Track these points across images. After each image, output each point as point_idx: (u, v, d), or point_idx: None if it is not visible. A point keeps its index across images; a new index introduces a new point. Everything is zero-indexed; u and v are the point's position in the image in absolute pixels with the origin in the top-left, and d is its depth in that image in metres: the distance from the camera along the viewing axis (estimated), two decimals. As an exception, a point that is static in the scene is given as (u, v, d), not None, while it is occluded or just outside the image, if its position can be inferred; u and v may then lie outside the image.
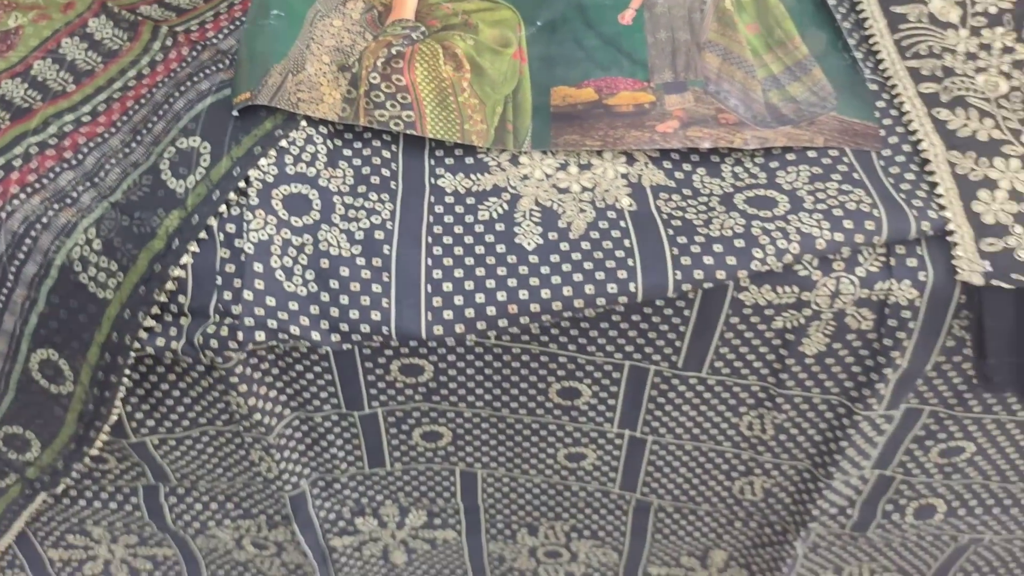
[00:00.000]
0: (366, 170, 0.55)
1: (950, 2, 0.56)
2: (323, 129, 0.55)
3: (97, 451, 0.57)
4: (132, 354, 0.51)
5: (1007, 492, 0.62)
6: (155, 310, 0.50)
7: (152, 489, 0.66)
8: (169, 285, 0.50)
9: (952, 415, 0.56)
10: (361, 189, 0.54)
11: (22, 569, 0.71)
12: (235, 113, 0.54)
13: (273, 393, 0.57)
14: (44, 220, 0.52)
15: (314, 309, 0.50)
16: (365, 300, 0.50)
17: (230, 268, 0.51)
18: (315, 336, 0.50)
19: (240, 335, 0.49)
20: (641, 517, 0.68)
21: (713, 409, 0.58)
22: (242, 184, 0.52)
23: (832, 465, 0.59)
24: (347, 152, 0.55)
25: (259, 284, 0.50)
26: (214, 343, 0.50)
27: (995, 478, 0.60)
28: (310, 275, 0.51)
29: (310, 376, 0.56)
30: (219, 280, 0.50)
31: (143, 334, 0.51)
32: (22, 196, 0.53)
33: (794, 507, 0.64)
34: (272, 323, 0.50)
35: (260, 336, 0.50)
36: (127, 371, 0.52)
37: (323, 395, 0.58)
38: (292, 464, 0.61)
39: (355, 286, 0.50)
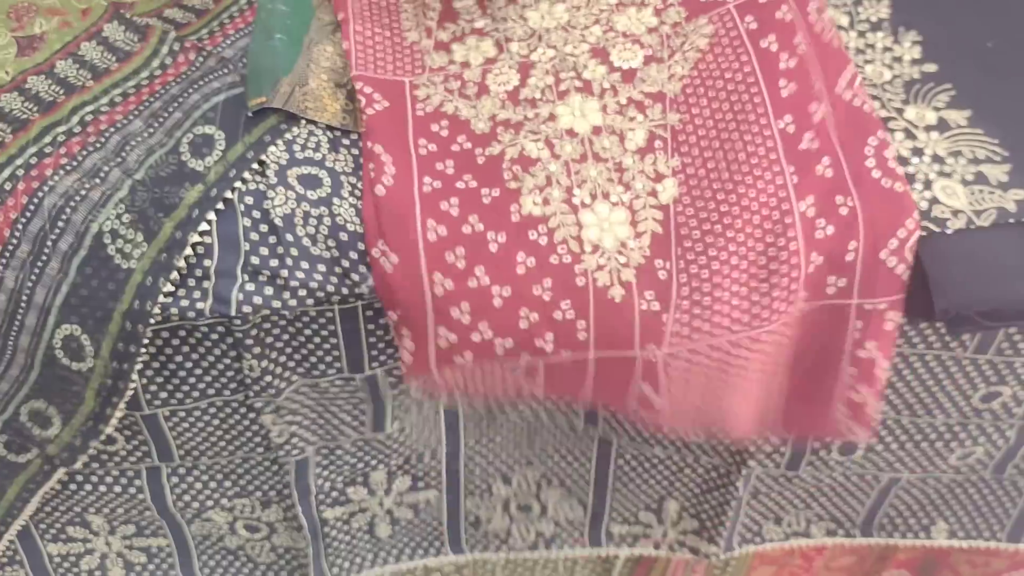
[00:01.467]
0: (362, 158, 0.62)
1: (840, 11, 0.69)
2: (320, 126, 0.63)
3: (112, 428, 0.62)
4: (152, 320, 0.57)
5: (916, 427, 0.72)
6: (175, 276, 0.57)
7: (155, 471, 0.70)
8: (188, 251, 0.57)
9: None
10: (360, 174, 0.62)
11: (21, 566, 0.74)
12: (250, 114, 0.62)
13: (283, 359, 0.63)
14: (78, 197, 0.58)
15: (337, 269, 0.59)
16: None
17: (254, 236, 0.58)
18: (344, 291, 0.58)
19: (286, 295, 0.57)
20: (603, 465, 0.76)
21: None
22: (257, 167, 0.60)
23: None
24: (345, 142, 0.63)
25: (294, 250, 0.58)
26: (257, 300, 0.57)
27: (905, 412, 0.71)
28: (331, 243, 0.59)
29: (317, 340, 0.63)
30: (246, 246, 0.58)
31: (164, 298, 0.57)
32: (56, 178, 0.59)
33: (734, 447, 0.73)
34: (313, 283, 0.58)
35: (302, 293, 0.58)
36: (146, 340, 0.58)
37: (328, 359, 0.64)
38: (301, 429, 0.67)
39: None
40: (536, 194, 0.61)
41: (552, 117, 0.64)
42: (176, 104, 0.63)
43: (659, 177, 0.61)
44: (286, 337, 0.63)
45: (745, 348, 0.60)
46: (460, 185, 0.61)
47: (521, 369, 0.61)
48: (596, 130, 0.64)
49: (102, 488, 0.70)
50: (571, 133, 0.64)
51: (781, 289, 0.59)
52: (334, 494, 0.74)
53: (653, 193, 0.61)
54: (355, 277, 0.59)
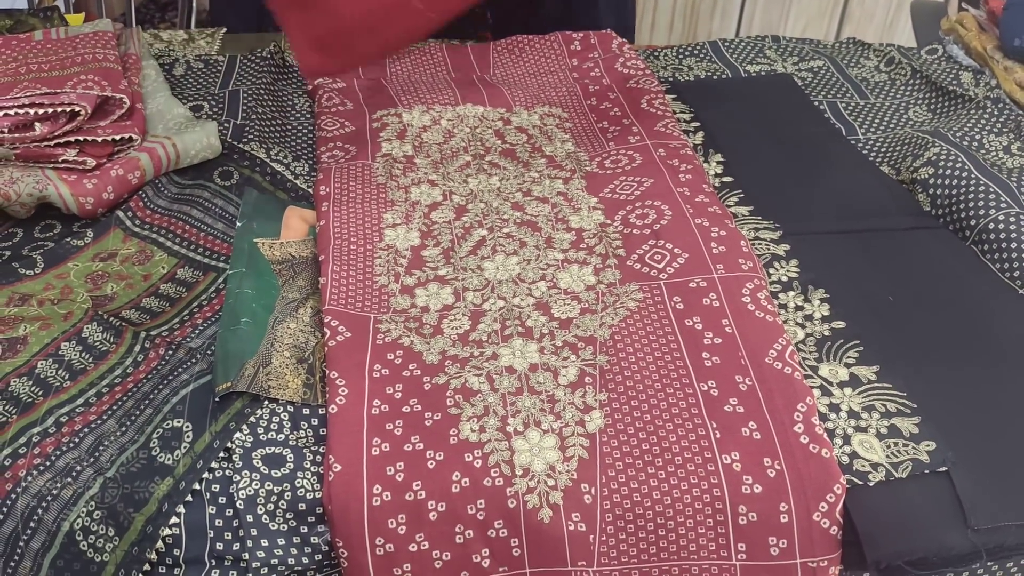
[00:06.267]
0: (323, 430, 0.67)
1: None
2: (282, 403, 0.68)
3: None
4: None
5: None
6: (147, 567, 0.60)
7: None
8: (159, 544, 0.60)
9: None
10: (323, 449, 0.66)
11: None
12: (216, 399, 0.66)
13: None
14: (50, 497, 0.61)
15: (296, 539, 0.62)
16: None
17: (219, 522, 0.61)
18: (304, 560, 0.61)
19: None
20: None
21: None
22: (224, 453, 0.63)
23: None
24: (305, 411, 0.68)
25: (253, 531, 0.60)
26: None
27: None
28: (290, 514, 0.62)
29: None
30: (211, 533, 0.60)
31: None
32: (29, 478, 0.62)
33: None
34: (274, 559, 0.60)
35: (264, 571, 0.59)
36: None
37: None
38: None
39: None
40: (474, 421, 0.66)
41: (495, 356, 0.71)
42: (147, 401, 0.67)
43: (587, 408, 0.67)
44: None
45: None
46: (406, 409, 0.67)
47: None
48: (533, 367, 0.70)
49: None
50: (510, 370, 0.70)
51: (708, 528, 0.62)
52: None
53: (581, 423, 0.66)
54: (314, 540, 0.62)
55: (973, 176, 0.89)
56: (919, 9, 1.85)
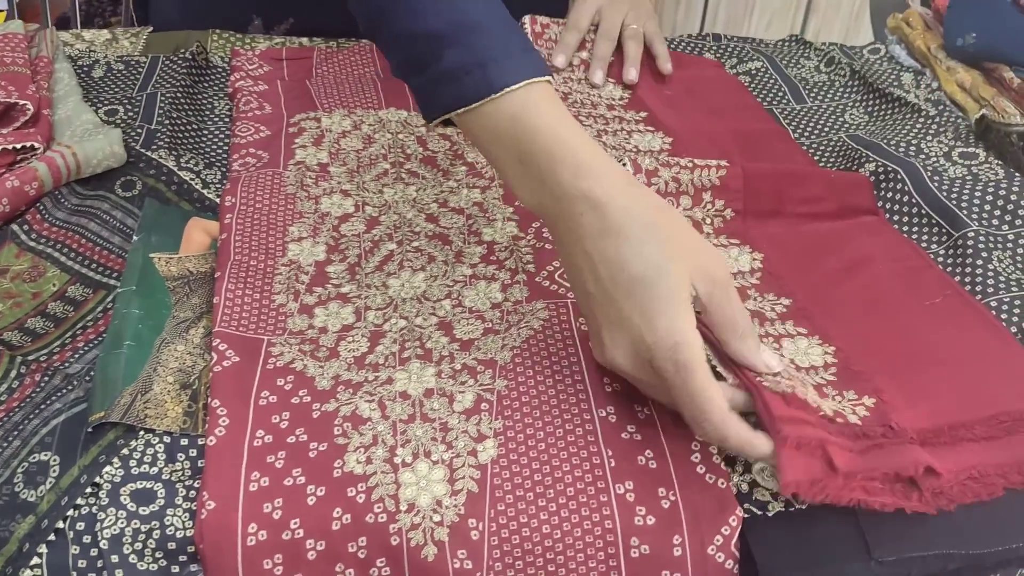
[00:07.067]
0: (201, 462, 0.64)
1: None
2: (159, 434, 0.65)
3: None
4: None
5: None
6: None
7: None
8: (19, 587, 0.56)
9: None
10: (197, 483, 0.63)
11: None
12: (89, 429, 0.63)
13: None
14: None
15: None
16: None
17: (82, 563, 0.58)
18: None
19: None
20: None
21: None
22: (91, 488, 0.60)
23: None
24: (183, 442, 0.65)
25: (119, 572, 0.57)
26: None
27: None
28: (159, 554, 0.59)
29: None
30: (74, 574, 0.57)
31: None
32: None
33: None
34: None
35: None
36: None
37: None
38: None
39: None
40: (361, 452, 0.63)
41: (390, 380, 0.68)
42: (16, 432, 0.64)
43: (481, 437, 0.64)
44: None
45: None
46: (291, 439, 0.64)
47: None
48: (428, 392, 0.67)
49: None
50: (404, 396, 0.67)
51: (599, 562, 0.60)
52: None
53: (473, 452, 0.63)
54: None
55: (915, 201, 0.86)
56: (879, 2, 1.83)
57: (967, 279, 0.79)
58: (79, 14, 1.72)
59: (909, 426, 0.63)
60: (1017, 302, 0.77)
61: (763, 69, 1.15)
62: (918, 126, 0.99)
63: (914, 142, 0.95)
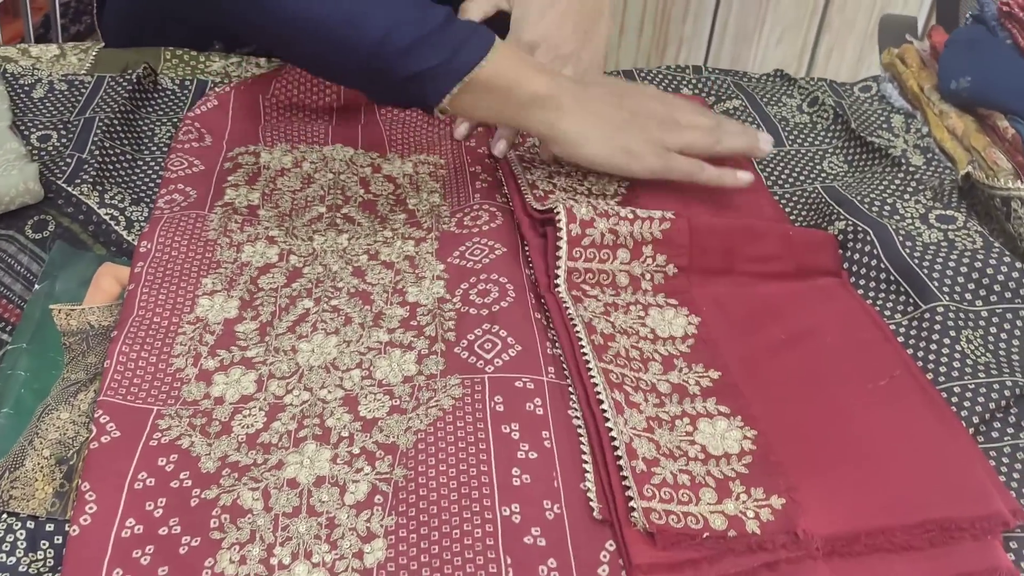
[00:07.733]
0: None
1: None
2: (22, 518, 0.59)
3: None
4: None
5: None
6: None
7: None
8: None
9: None
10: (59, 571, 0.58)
11: None
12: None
13: None
14: None
15: None
16: None
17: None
18: None
19: None
20: None
21: None
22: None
23: None
24: (48, 528, 0.59)
25: None
26: None
27: None
28: None
29: None
30: None
31: None
32: None
33: None
34: None
35: None
36: None
37: None
38: None
39: None
40: (235, 550, 0.58)
41: (280, 464, 0.63)
42: None
43: (370, 536, 0.59)
44: None
45: None
46: (163, 531, 0.58)
47: None
48: (319, 480, 0.62)
49: None
50: (292, 484, 0.62)
51: None
52: None
53: (359, 554, 0.58)
54: None
55: (883, 266, 0.79)
56: (888, 23, 1.74)
57: (930, 358, 0.73)
58: (58, 21, 1.67)
59: (818, 532, 0.56)
60: (983, 389, 0.70)
61: (741, 108, 1.08)
62: (896, 181, 0.92)
63: (890, 200, 0.88)
